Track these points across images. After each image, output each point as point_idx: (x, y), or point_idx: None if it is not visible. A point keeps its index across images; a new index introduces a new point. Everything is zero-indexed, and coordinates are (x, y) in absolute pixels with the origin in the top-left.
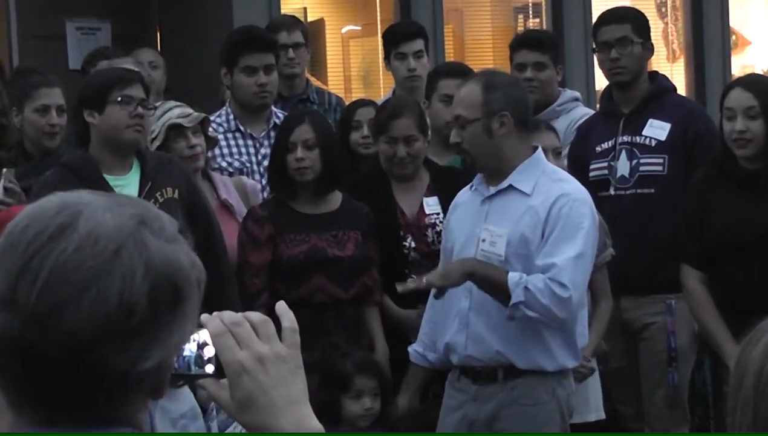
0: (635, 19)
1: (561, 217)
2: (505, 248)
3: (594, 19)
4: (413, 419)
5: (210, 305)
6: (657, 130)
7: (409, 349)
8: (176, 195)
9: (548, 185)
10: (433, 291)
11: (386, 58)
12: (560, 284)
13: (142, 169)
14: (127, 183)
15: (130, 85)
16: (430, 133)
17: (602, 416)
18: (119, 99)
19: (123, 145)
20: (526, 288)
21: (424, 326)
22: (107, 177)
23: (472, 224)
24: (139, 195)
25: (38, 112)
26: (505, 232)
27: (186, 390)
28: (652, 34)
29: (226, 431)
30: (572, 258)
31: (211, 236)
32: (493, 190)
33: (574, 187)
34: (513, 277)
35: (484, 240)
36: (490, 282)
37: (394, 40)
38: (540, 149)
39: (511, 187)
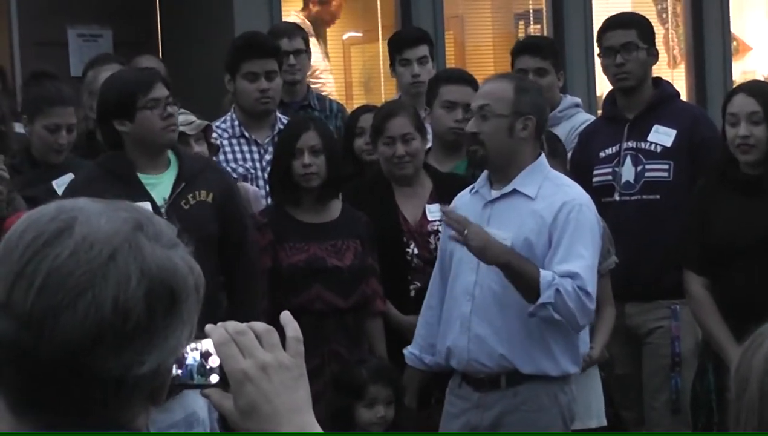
0: (640, 25)
1: (570, 221)
2: None
3: (595, 26)
4: (416, 425)
5: (235, 313)
6: (663, 136)
7: (405, 351)
8: (210, 199)
9: (552, 190)
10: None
11: (391, 64)
12: (586, 292)
13: (180, 169)
14: (160, 182)
15: (153, 86)
16: (432, 139)
17: (603, 422)
18: (147, 105)
19: (160, 147)
20: (557, 290)
21: (420, 328)
22: (141, 176)
23: None
24: (171, 195)
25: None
26: (509, 235)
27: (182, 398)
28: None
29: None
30: (590, 266)
31: (243, 244)
32: (495, 194)
33: (577, 192)
34: (545, 276)
35: None
36: (522, 276)
37: (398, 46)
38: (543, 155)
39: (515, 191)
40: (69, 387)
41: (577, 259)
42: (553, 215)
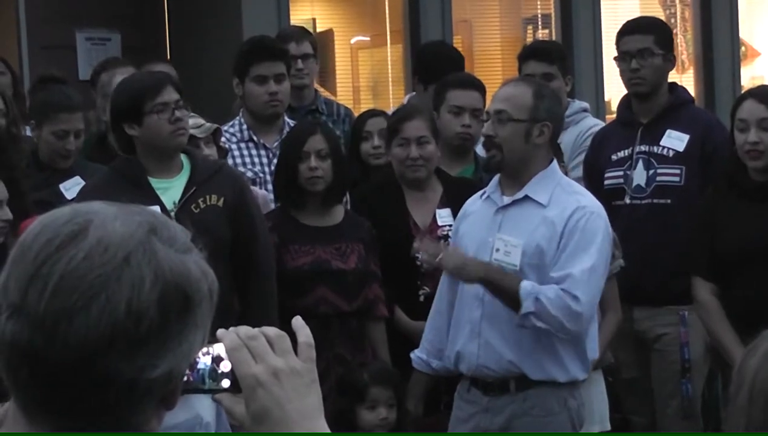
0: (659, 31)
1: (577, 229)
2: (521, 257)
3: (603, 30)
4: (419, 427)
5: (246, 317)
6: (675, 141)
7: (412, 355)
8: (220, 203)
9: (564, 197)
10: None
11: (423, 86)
12: (573, 296)
13: (192, 173)
14: (171, 186)
15: (161, 91)
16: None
17: (607, 427)
18: (155, 109)
19: (169, 151)
20: (536, 299)
21: (428, 333)
22: (152, 180)
23: (484, 233)
24: (181, 198)
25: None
26: (521, 242)
27: (186, 400)
28: None
29: None
30: (587, 270)
31: (253, 248)
32: (507, 200)
33: (589, 200)
34: (525, 286)
35: (498, 250)
36: (502, 289)
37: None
38: (555, 161)
39: (526, 197)
40: (81, 390)
41: (575, 264)
42: (564, 223)
